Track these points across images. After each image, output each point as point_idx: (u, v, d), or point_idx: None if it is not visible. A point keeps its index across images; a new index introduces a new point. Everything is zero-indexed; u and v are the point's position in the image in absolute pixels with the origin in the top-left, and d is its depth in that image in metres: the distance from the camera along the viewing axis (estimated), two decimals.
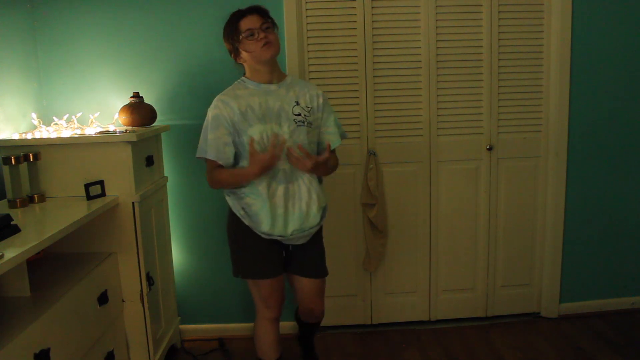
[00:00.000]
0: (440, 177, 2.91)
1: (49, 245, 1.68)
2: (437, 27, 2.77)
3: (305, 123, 2.04)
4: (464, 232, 2.96)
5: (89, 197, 2.16)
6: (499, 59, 2.81)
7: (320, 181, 2.16)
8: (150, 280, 2.35)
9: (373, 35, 2.76)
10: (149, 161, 2.43)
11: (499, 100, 2.85)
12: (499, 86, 2.84)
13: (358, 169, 2.87)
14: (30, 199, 2.13)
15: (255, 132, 1.99)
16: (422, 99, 2.83)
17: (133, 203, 2.22)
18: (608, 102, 2.89)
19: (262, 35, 1.97)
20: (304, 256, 2.15)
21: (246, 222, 2.05)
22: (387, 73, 2.80)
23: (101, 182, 2.19)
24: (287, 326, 2.91)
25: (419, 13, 2.76)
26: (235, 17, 2.02)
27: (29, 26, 2.61)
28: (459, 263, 2.99)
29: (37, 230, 1.82)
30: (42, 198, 2.16)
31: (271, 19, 2.04)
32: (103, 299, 2.08)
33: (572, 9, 2.76)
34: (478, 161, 2.91)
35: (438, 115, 2.85)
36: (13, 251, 1.51)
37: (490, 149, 2.89)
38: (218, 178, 2.06)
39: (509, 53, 2.82)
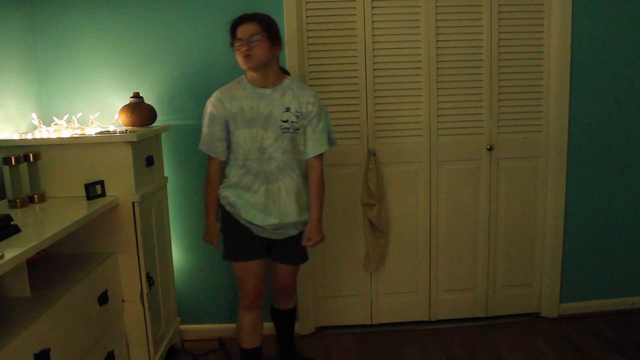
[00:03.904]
0: (440, 177, 2.91)
1: (49, 245, 1.68)
2: (437, 27, 2.77)
3: (292, 130, 2.16)
4: (464, 232, 2.96)
5: (89, 197, 2.16)
6: (499, 59, 2.81)
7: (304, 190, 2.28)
8: (150, 280, 2.35)
9: (373, 35, 2.76)
10: (149, 161, 2.43)
11: (499, 100, 2.85)
12: (499, 86, 2.84)
13: (358, 169, 2.87)
14: (31, 199, 2.13)
15: (240, 135, 2.17)
16: (422, 99, 2.83)
17: (133, 203, 2.22)
18: (608, 102, 2.89)
19: (244, 48, 2.09)
20: (285, 247, 2.32)
21: (228, 208, 2.25)
22: (387, 73, 2.80)
23: (101, 182, 2.20)
24: None
25: (419, 13, 2.76)
26: (233, 24, 2.15)
27: (29, 26, 2.61)
28: (459, 263, 2.99)
29: (37, 230, 1.82)
30: (42, 198, 2.16)
31: (266, 29, 2.11)
32: (103, 299, 2.08)
33: (572, 9, 2.76)
34: (478, 161, 2.91)
35: (438, 115, 2.85)
36: (13, 251, 1.50)
37: (490, 149, 2.89)
38: (206, 182, 2.29)
39: (509, 53, 2.82)
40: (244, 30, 2.10)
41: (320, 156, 2.26)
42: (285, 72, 2.33)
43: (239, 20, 2.13)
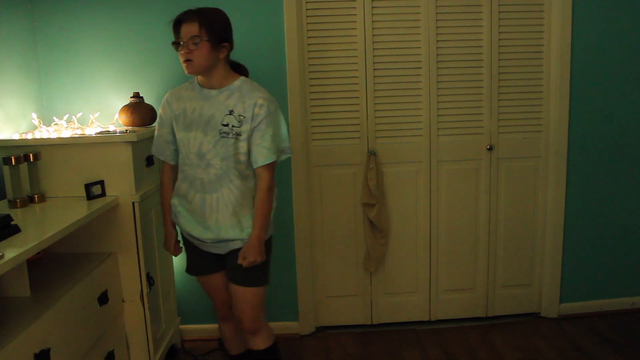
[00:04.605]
0: (440, 177, 2.91)
1: (49, 245, 1.68)
2: (437, 27, 2.77)
3: (231, 135, 1.91)
4: (464, 232, 2.96)
5: (89, 197, 2.16)
6: (499, 59, 2.81)
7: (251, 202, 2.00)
8: (150, 280, 2.34)
9: (373, 35, 2.76)
10: (149, 161, 2.43)
11: (499, 100, 2.85)
12: (499, 86, 2.84)
13: (358, 169, 2.87)
14: (31, 199, 2.13)
15: (180, 138, 2.00)
16: (422, 99, 2.83)
17: (133, 203, 2.22)
18: (608, 102, 2.89)
19: (184, 51, 1.88)
20: (231, 262, 2.04)
21: (175, 219, 2.10)
22: (387, 73, 2.80)
23: (101, 182, 2.19)
24: (291, 326, 2.93)
25: (419, 13, 2.76)
26: (177, 21, 1.91)
27: (29, 26, 2.61)
28: (459, 263, 2.99)
29: (37, 230, 1.82)
30: (42, 198, 2.16)
31: (209, 30, 1.86)
32: (103, 299, 2.08)
33: (572, 9, 2.76)
34: (478, 161, 2.91)
35: (438, 115, 2.85)
36: (13, 251, 1.51)
37: (490, 149, 2.89)
38: (161, 184, 2.16)
39: (509, 53, 2.82)
40: (185, 31, 1.87)
41: (269, 167, 1.96)
42: (241, 71, 2.06)
43: (181, 18, 1.90)
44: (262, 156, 1.94)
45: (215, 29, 1.89)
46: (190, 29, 1.86)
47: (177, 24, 1.90)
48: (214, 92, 1.96)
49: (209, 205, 1.97)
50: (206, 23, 1.87)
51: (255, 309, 2.06)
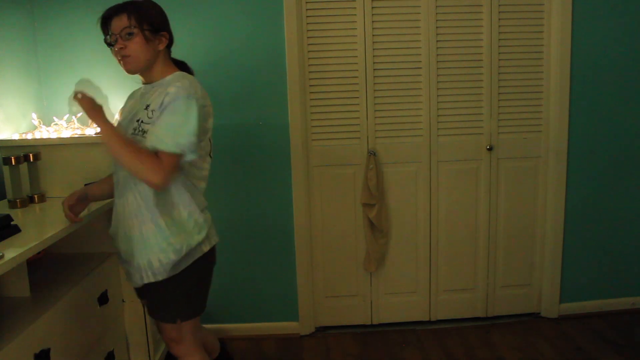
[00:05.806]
0: (440, 177, 2.91)
1: (49, 246, 1.68)
2: (437, 27, 2.77)
3: (138, 131, 1.69)
4: (464, 232, 2.96)
5: None
6: (499, 59, 2.81)
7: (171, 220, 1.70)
8: None
9: (373, 35, 2.76)
10: None
11: (499, 100, 2.85)
12: (499, 86, 2.84)
13: (358, 169, 2.87)
14: (31, 199, 2.14)
15: None
16: (422, 99, 2.83)
17: None
18: (608, 102, 2.89)
19: (118, 47, 1.68)
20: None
21: None
22: (387, 73, 2.80)
23: None
24: (291, 326, 2.93)
25: (419, 13, 2.76)
26: (104, 19, 1.72)
27: (29, 26, 2.61)
28: (459, 263, 2.99)
29: (37, 230, 1.82)
30: (42, 198, 2.17)
31: (140, 20, 1.69)
32: (103, 299, 2.08)
33: (572, 9, 2.76)
34: (478, 161, 2.91)
35: (438, 115, 2.85)
36: (13, 251, 1.51)
37: (490, 149, 2.89)
38: None
39: (509, 53, 2.82)
40: (115, 26, 1.69)
41: (165, 157, 1.61)
42: (182, 67, 1.88)
43: (108, 14, 1.71)
44: (151, 142, 1.63)
45: (148, 17, 1.71)
46: (120, 23, 1.68)
47: (105, 21, 1.71)
48: (147, 87, 1.77)
49: (118, 212, 1.77)
50: (135, 12, 1.69)
51: (169, 338, 1.86)
